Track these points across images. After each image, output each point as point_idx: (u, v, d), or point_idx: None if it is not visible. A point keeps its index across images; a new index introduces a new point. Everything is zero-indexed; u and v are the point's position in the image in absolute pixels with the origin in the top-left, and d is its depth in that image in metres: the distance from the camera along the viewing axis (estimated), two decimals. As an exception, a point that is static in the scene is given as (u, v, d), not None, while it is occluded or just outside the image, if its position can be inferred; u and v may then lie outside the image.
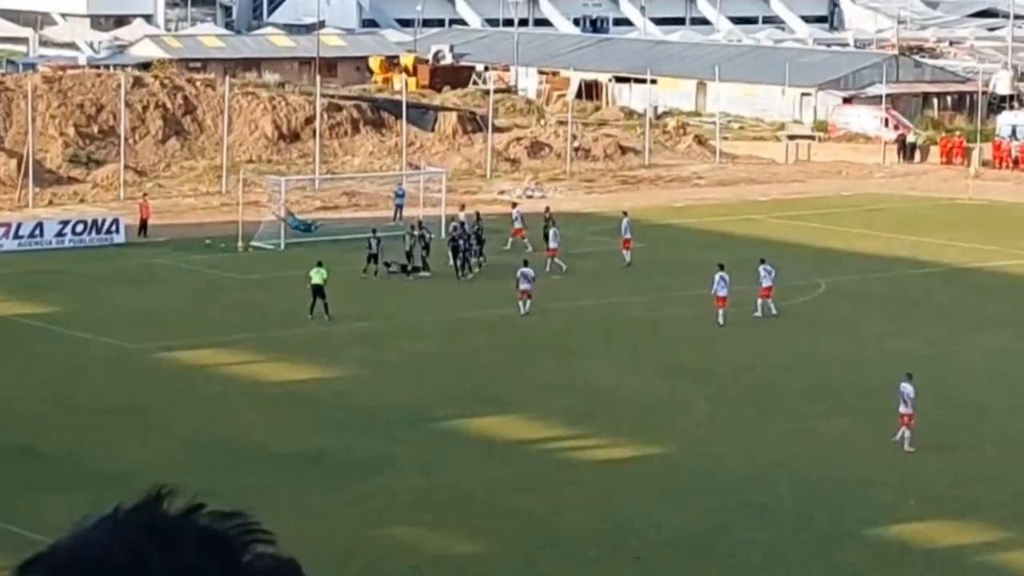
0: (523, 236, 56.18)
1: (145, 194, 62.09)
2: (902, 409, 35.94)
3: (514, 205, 60.41)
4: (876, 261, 57.42)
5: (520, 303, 46.89)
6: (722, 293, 46.35)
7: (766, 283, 47.34)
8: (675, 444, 35.96)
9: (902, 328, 47.68)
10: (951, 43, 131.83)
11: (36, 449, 34.55)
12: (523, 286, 46.91)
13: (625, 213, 57.19)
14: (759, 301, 47.30)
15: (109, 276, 52.60)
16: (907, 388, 36.05)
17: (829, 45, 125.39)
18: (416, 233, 53.78)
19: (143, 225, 58.71)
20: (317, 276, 46.46)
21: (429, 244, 53.33)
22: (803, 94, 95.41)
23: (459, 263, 52.18)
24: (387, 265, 52.27)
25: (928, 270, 56.46)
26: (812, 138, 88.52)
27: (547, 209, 58.68)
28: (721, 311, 46.26)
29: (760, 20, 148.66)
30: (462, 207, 57.81)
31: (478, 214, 56.54)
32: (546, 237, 55.88)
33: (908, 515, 32.05)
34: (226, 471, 33.30)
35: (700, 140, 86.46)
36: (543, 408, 38.44)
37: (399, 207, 61.47)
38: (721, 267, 46.92)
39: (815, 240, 61.24)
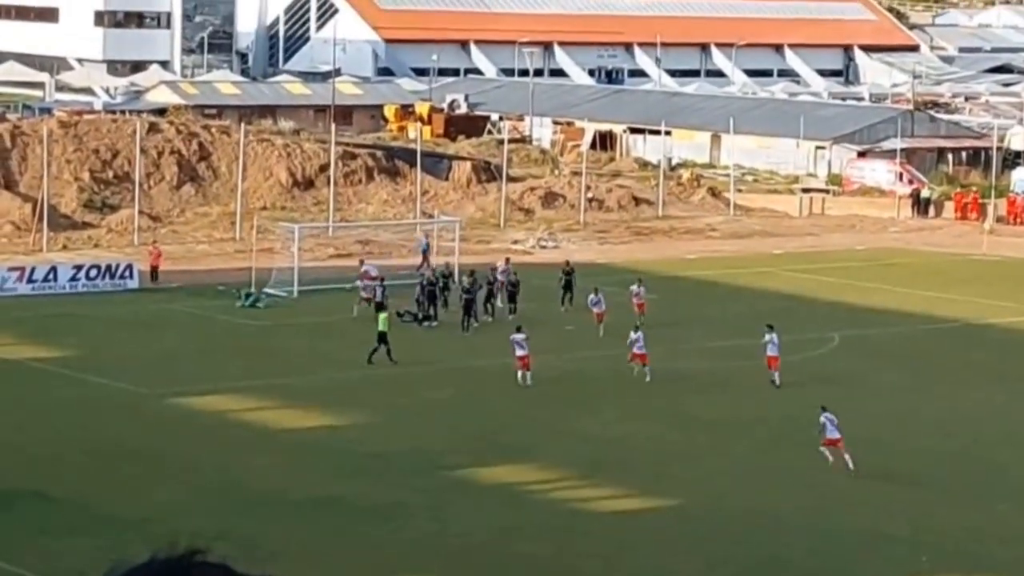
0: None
1: (155, 241, 62.11)
2: (833, 436, 37.13)
3: (507, 260, 59.22)
4: (890, 316, 57.36)
5: (518, 373, 44.45)
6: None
7: (772, 352, 45.52)
8: (687, 495, 35.85)
9: (915, 383, 47.58)
10: (966, 98, 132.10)
11: (49, 493, 34.51)
12: (519, 352, 44.51)
13: (640, 281, 55.60)
14: (775, 373, 45.51)
15: (123, 321, 52.65)
16: (829, 416, 37.45)
17: (844, 99, 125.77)
18: (423, 282, 53.91)
19: (154, 272, 58.75)
20: (382, 323, 46.92)
21: (438, 292, 53.35)
22: (818, 147, 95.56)
23: (467, 319, 51.74)
24: (399, 315, 52.29)
25: (942, 325, 56.37)
26: (826, 192, 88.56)
27: (567, 263, 57.68)
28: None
29: (775, 73, 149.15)
30: (507, 260, 57.42)
31: (507, 265, 56.14)
32: (567, 290, 54.97)
33: (920, 570, 31.90)
34: (239, 517, 33.25)
35: (714, 192, 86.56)
36: (555, 457, 38.37)
37: (424, 254, 60.87)
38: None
39: (829, 294, 61.19)
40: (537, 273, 60.71)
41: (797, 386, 46.00)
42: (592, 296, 52.46)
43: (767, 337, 45.48)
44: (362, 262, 58.17)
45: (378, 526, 33.19)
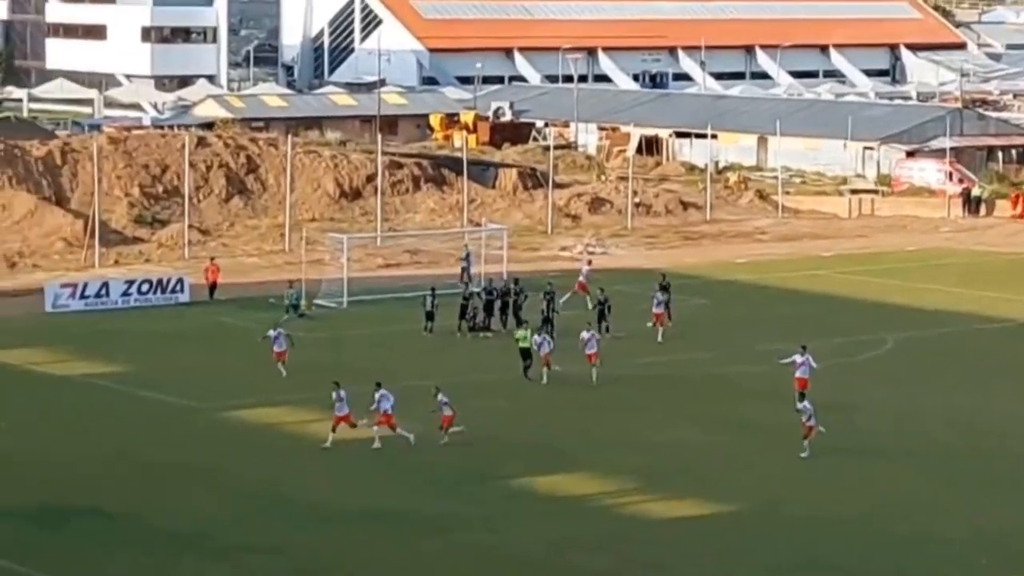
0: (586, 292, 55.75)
1: (213, 258, 61.94)
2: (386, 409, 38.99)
3: (589, 263, 59.50)
4: (943, 316, 57.00)
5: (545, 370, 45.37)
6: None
7: (802, 374, 42.85)
8: (741, 501, 35.69)
9: (969, 383, 47.25)
10: (1015, 96, 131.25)
11: (104, 508, 34.62)
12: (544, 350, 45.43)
13: (590, 262, 55.93)
14: (796, 394, 42.46)
15: (174, 335, 52.83)
16: (383, 392, 39.08)
17: (891, 99, 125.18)
18: (476, 291, 53.89)
19: (212, 288, 58.66)
20: (523, 340, 46.38)
21: (493, 303, 53.23)
22: (866, 148, 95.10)
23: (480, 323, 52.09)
24: (472, 328, 52.29)
25: (996, 325, 55.94)
26: (875, 192, 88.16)
27: (664, 277, 55.17)
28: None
29: (821, 74, 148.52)
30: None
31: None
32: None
33: (979, 572, 31.63)
34: (292, 529, 33.30)
35: (762, 195, 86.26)
36: (609, 465, 38.26)
37: (465, 270, 60.76)
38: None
39: (880, 295, 60.85)
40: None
41: (850, 389, 45.72)
42: (659, 295, 52.11)
43: (799, 359, 43.19)
44: (590, 262, 58.60)
45: (432, 537, 33.16)
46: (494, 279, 56.09)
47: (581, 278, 56.63)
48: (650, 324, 51.85)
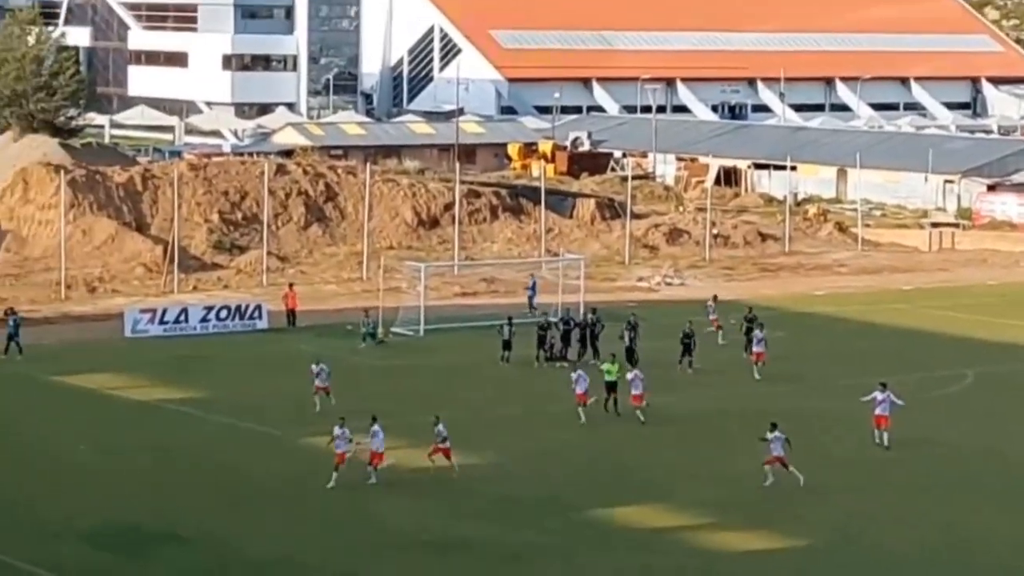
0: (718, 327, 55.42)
1: (292, 284, 62.20)
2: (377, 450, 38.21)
3: (715, 298, 58.83)
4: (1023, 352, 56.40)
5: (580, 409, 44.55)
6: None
7: (882, 411, 42.28)
8: (821, 535, 35.41)
9: (1053, 420, 46.65)
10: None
11: (182, 534, 34.77)
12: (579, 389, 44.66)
13: (715, 297, 57.40)
14: (875, 431, 42.60)
15: (252, 361, 53.07)
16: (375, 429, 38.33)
17: (972, 132, 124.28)
18: (554, 320, 53.83)
19: (291, 315, 58.71)
20: (608, 373, 45.66)
21: (570, 333, 53.11)
22: (946, 181, 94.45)
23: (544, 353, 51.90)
24: (548, 358, 52.13)
25: (1078, 361, 55.25)
26: (956, 226, 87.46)
27: (750, 310, 54.81)
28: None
29: (901, 106, 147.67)
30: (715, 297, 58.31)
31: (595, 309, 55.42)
32: (749, 339, 52.21)
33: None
34: (371, 558, 33.33)
35: (841, 227, 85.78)
36: (686, 497, 38.05)
37: (530, 299, 60.84)
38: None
39: (961, 330, 60.28)
40: (662, 311, 60.46)
41: (930, 424, 45.27)
42: (757, 332, 51.61)
43: (879, 395, 42.64)
44: (715, 297, 58.71)
45: (511, 567, 33.07)
46: (571, 309, 56.01)
47: (713, 315, 55.99)
48: (754, 362, 50.98)
